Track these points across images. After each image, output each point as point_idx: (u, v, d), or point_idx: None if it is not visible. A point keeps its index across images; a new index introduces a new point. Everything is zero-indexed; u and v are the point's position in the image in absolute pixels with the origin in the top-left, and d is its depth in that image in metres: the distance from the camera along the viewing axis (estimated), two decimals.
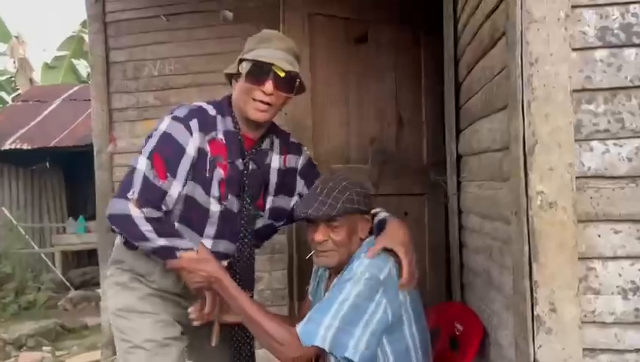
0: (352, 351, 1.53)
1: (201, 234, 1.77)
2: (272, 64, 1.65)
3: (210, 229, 1.78)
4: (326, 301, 1.61)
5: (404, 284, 1.57)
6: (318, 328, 1.54)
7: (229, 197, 1.76)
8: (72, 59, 13.20)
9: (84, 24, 13.24)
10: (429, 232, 3.17)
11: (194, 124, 1.68)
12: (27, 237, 8.37)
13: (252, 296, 1.80)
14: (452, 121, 2.30)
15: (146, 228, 1.62)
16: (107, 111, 3.62)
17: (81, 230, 8.79)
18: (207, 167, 1.71)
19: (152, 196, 1.63)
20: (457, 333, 2.01)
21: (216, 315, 1.75)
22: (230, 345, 1.85)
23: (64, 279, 8.01)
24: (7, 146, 8.34)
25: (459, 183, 2.29)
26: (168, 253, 1.66)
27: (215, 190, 1.73)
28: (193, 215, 1.74)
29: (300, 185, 1.92)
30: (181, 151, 1.66)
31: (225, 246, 1.81)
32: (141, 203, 1.62)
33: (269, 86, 1.66)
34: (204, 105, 1.77)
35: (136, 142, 3.60)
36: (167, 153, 1.65)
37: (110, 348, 3.54)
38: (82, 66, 13.43)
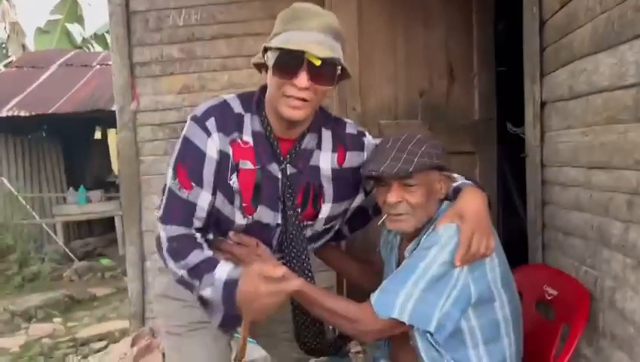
0: (435, 324, 1.36)
1: None
2: (304, 51, 1.33)
3: None
4: (404, 269, 1.41)
5: (456, 260, 1.35)
6: (395, 298, 1.36)
7: (259, 208, 1.50)
8: (66, 23, 12.72)
9: None
10: None
11: (211, 123, 1.45)
12: (28, 207, 8.11)
13: None
14: (535, 64, 2.06)
15: (165, 247, 1.48)
16: (128, 66, 3.31)
17: (82, 200, 8.61)
18: (229, 174, 1.46)
19: (176, 211, 1.48)
20: (549, 298, 1.82)
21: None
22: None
23: (67, 250, 7.80)
24: (4, 113, 7.98)
25: (542, 134, 2.06)
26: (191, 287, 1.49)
27: (238, 200, 1.48)
28: (215, 228, 1.53)
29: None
30: (202, 155, 1.45)
31: None
32: (164, 219, 1.50)
33: (302, 79, 1.35)
34: (231, 100, 1.51)
35: (161, 100, 3.34)
36: (188, 160, 1.46)
37: (138, 318, 3.34)
38: (76, 32, 12.98)
